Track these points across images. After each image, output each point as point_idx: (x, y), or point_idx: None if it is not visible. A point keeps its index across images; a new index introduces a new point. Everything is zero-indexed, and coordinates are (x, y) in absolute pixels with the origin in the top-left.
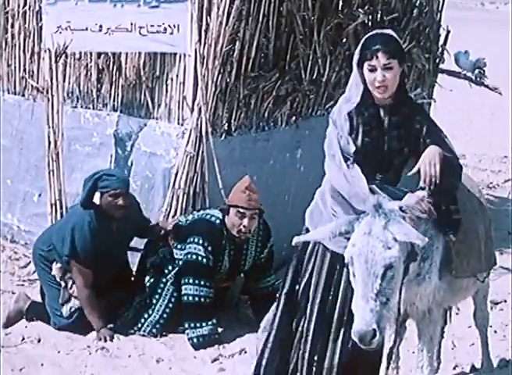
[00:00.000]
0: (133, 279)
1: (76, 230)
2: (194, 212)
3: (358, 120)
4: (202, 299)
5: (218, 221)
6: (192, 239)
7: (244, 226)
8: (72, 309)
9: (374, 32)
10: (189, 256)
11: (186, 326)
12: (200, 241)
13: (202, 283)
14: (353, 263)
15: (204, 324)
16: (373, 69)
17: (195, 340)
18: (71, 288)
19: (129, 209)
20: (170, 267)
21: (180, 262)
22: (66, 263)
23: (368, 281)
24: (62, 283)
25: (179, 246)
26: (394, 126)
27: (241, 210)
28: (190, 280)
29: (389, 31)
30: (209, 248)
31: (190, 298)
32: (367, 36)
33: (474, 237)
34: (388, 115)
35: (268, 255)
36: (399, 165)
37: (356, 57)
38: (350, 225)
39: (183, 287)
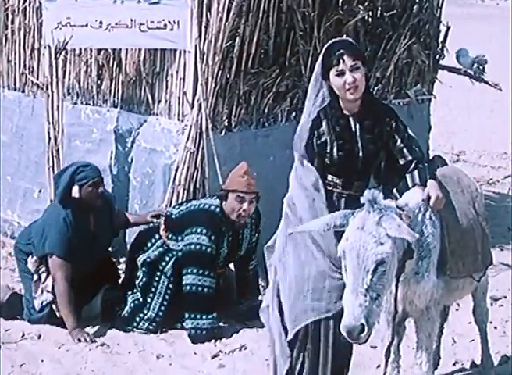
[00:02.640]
0: (123, 276)
1: (53, 226)
2: (188, 202)
3: (331, 136)
4: (205, 289)
5: (217, 209)
6: (194, 229)
7: (244, 210)
8: (44, 303)
9: (332, 41)
10: (192, 247)
11: (187, 316)
12: (204, 231)
13: (206, 273)
14: (345, 257)
15: (204, 317)
16: (341, 74)
17: (193, 332)
18: (44, 282)
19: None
20: (167, 258)
21: (178, 253)
22: (43, 259)
23: (358, 276)
24: (35, 277)
25: (174, 237)
26: (366, 132)
27: (241, 194)
28: (194, 270)
29: (347, 38)
30: (212, 238)
31: (194, 287)
32: (326, 46)
33: (470, 237)
34: (358, 122)
35: (257, 239)
36: (376, 169)
37: (318, 69)
38: (345, 218)
39: (186, 277)
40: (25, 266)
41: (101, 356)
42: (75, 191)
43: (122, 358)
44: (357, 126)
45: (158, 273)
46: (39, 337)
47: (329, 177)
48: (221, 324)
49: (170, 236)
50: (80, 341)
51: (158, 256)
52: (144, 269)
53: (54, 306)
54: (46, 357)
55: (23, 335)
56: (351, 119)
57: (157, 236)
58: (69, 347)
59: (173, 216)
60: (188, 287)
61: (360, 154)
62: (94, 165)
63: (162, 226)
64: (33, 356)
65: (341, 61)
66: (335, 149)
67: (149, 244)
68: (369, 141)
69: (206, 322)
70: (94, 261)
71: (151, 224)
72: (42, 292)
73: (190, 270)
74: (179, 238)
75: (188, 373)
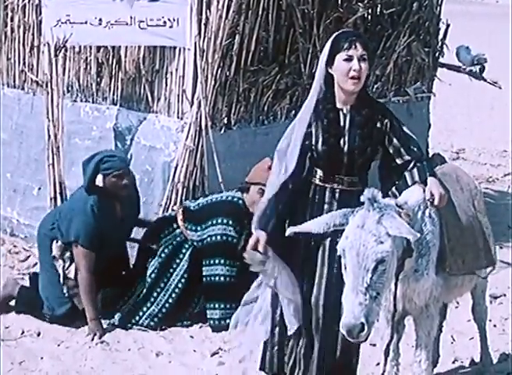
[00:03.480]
0: (131, 271)
1: (80, 213)
2: (207, 196)
3: (318, 128)
4: (228, 279)
5: (241, 201)
6: (220, 220)
7: None
8: (71, 292)
9: (343, 30)
10: (218, 238)
11: (216, 306)
12: (230, 222)
13: (232, 263)
14: (345, 256)
15: (233, 306)
16: (349, 59)
17: (220, 322)
18: (67, 268)
19: (131, 188)
20: (184, 250)
21: (198, 243)
22: (69, 246)
23: (358, 274)
24: (61, 262)
25: (194, 227)
26: (355, 128)
27: (263, 187)
28: (222, 261)
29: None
30: (237, 228)
31: (222, 278)
32: (338, 32)
33: (469, 235)
34: (349, 117)
35: None
36: (363, 165)
37: (325, 54)
38: (345, 217)
39: (210, 268)
40: (50, 254)
41: (101, 353)
42: (99, 180)
43: (121, 356)
44: (347, 120)
45: (171, 269)
46: (38, 334)
47: (318, 171)
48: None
49: (189, 226)
50: (93, 334)
51: (175, 246)
52: (161, 257)
53: (76, 300)
54: (46, 354)
55: (23, 332)
56: (341, 113)
57: (174, 225)
58: (69, 344)
59: (192, 208)
60: (211, 279)
61: (346, 149)
62: (122, 156)
63: (180, 216)
64: (32, 353)
65: (353, 46)
66: (319, 142)
67: (166, 232)
68: (358, 137)
69: (219, 312)
70: (118, 251)
71: (167, 214)
72: (66, 278)
73: (217, 261)
74: (199, 228)
75: (187, 371)
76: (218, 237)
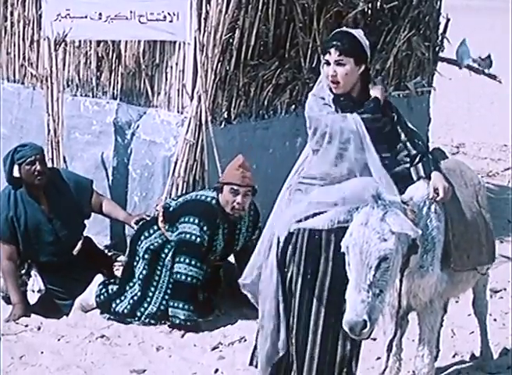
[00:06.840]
0: (122, 268)
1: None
2: (187, 194)
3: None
4: (189, 279)
5: (213, 201)
6: (187, 218)
7: (238, 203)
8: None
9: (339, 29)
10: (183, 236)
11: (170, 303)
12: (196, 221)
13: (193, 263)
14: (348, 253)
15: (181, 306)
16: (327, 64)
17: (177, 321)
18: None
19: (48, 176)
20: (166, 250)
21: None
22: None
23: (361, 272)
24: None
25: (171, 228)
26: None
27: (235, 187)
28: (182, 259)
29: (354, 31)
30: (204, 228)
31: (178, 276)
32: (329, 36)
33: (474, 230)
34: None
35: (258, 237)
36: None
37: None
38: (349, 214)
39: (176, 266)
40: None
41: (101, 348)
42: (15, 171)
43: (121, 350)
44: None
45: (159, 267)
46: (39, 328)
47: None
48: (198, 319)
49: (167, 227)
50: (15, 318)
51: (158, 247)
52: (146, 258)
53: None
54: (46, 349)
55: (24, 326)
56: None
57: (155, 227)
58: (69, 339)
59: (171, 209)
60: (175, 276)
61: None
62: (35, 145)
63: (161, 218)
64: (33, 348)
65: (328, 53)
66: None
67: (146, 234)
68: None
69: (182, 312)
70: (64, 245)
71: (151, 215)
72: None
73: (179, 259)
74: (175, 229)
75: (188, 365)
76: (183, 236)
